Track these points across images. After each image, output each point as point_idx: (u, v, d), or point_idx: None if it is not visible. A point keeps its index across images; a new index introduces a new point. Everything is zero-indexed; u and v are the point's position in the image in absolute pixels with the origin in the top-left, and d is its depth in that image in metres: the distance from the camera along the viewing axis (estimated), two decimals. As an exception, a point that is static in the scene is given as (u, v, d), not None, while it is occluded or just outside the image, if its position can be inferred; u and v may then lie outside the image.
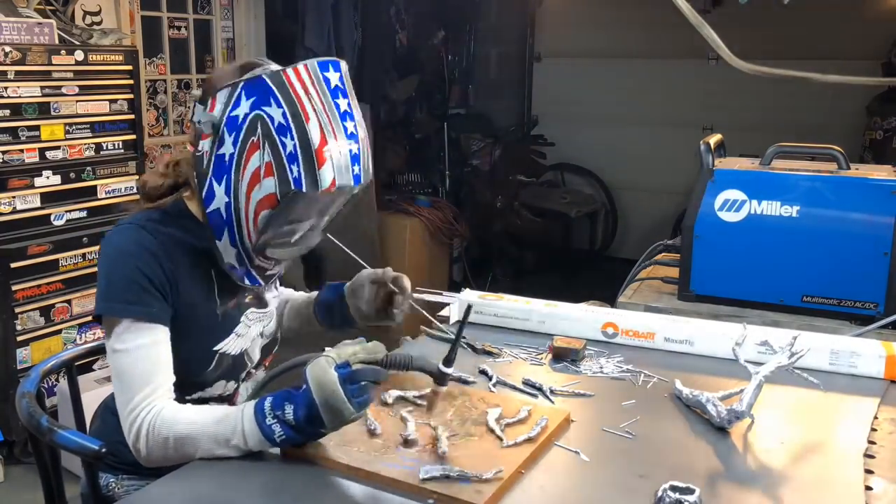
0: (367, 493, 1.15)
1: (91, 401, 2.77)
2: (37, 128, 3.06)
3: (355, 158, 1.35)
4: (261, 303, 1.59)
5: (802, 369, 1.46)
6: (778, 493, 1.17)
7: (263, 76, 1.32)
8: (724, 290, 2.06)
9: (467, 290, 1.97)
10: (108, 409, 1.59)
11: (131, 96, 3.40)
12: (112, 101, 3.33)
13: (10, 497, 2.96)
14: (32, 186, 3.06)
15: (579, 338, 1.73)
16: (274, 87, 1.31)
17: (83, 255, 3.22)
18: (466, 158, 5.91)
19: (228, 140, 1.35)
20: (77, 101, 3.18)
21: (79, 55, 3.17)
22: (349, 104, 1.36)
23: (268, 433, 1.21)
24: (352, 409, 1.18)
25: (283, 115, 1.30)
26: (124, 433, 1.33)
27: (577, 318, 1.81)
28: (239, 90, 1.34)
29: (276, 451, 1.25)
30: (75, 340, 3.20)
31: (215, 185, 1.38)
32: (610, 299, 2.16)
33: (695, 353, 1.71)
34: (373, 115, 4.80)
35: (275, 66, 1.38)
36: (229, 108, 1.35)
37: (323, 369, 1.20)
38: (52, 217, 3.14)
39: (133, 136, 3.44)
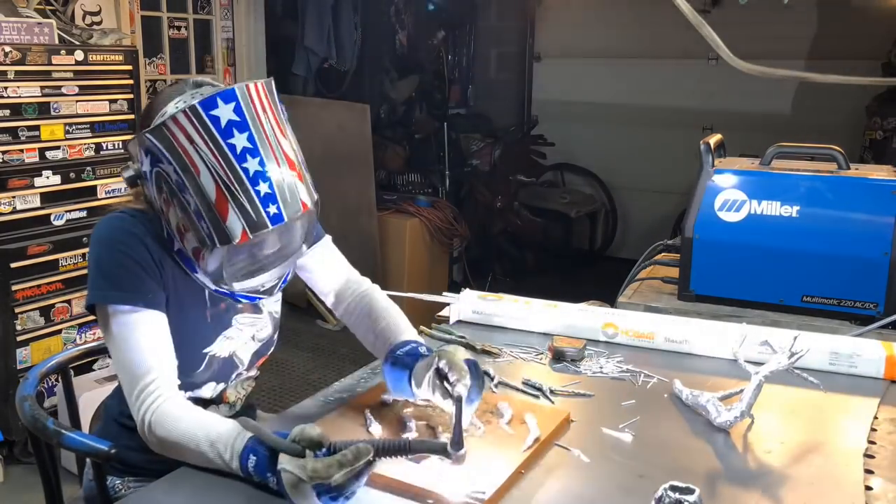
0: (367, 493, 1.15)
1: (91, 401, 2.76)
2: (37, 128, 3.05)
3: (268, 199, 1.22)
4: (255, 308, 1.53)
5: (802, 369, 1.45)
6: (778, 493, 1.17)
7: (146, 134, 1.25)
8: (724, 290, 2.06)
9: (467, 289, 1.96)
10: (108, 412, 1.57)
11: (131, 96, 3.40)
12: (112, 101, 3.32)
13: (10, 497, 2.95)
14: (32, 186, 3.06)
15: (579, 338, 1.73)
16: (159, 144, 1.24)
17: (83, 255, 3.21)
18: (466, 158, 5.90)
19: (154, 192, 1.30)
20: (77, 101, 3.18)
21: (79, 55, 3.17)
22: (251, 136, 1.22)
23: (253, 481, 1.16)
24: None
25: (175, 171, 1.23)
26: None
27: (577, 318, 1.81)
28: (139, 147, 1.29)
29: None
30: (75, 340, 3.19)
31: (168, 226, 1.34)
32: (610, 299, 2.16)
33: (695, 353, 1.71)
34: (373, 114, 4.80)
35: (208, 90, 1.32)
36: (140, 162, 1.31)
37: (301, 493, 1.08)
38: (52, 217, 3.14)
39: (133, 137, 3.43)
